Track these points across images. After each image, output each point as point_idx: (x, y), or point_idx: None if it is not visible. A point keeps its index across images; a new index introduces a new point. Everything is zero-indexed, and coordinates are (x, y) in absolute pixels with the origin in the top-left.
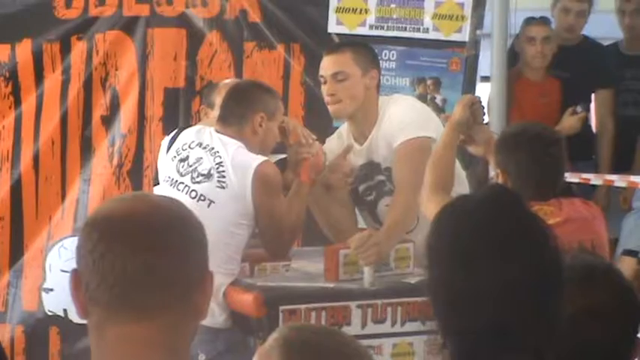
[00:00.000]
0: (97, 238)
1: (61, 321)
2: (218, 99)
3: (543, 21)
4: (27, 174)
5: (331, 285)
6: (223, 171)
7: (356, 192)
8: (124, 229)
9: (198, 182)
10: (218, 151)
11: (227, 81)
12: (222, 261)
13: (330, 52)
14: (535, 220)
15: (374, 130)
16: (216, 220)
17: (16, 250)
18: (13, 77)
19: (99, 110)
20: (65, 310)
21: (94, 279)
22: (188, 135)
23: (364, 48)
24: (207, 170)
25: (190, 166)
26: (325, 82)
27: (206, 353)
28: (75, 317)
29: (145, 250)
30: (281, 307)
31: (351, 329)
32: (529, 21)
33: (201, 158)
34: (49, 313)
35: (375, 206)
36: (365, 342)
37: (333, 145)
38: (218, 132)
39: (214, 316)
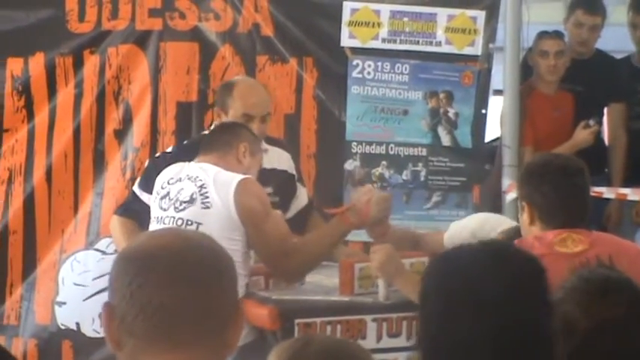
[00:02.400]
0: (134, 271)
1: (73, 334)
2: (230, 101)
3: (557, 35)
4: (40, 187)
5: (346, 298)
6: (206, 192)
7: None
8: (162, 263)
9: (182, 210)
10: (198, 176)
11: (238, 78)
12: None
13: None
14: (529, 279)
15: None
16: None
17: (29, 263)
18: (26, 91)
19: (111, 124)
20: (78, 324)
21: (131, 311)
22: (165, 174)
23: None
24: (190, 196)
25: (172, 199)
26: None
27: None
28: (88, 331)
29: (182, 282)
30: (296, 321)
31: (366, 343)
32: (542, 35)
33: (182, 189)
34: (62, 327)
35: None
36: (380, 356)
37: None
38: (198, 162)
39: None
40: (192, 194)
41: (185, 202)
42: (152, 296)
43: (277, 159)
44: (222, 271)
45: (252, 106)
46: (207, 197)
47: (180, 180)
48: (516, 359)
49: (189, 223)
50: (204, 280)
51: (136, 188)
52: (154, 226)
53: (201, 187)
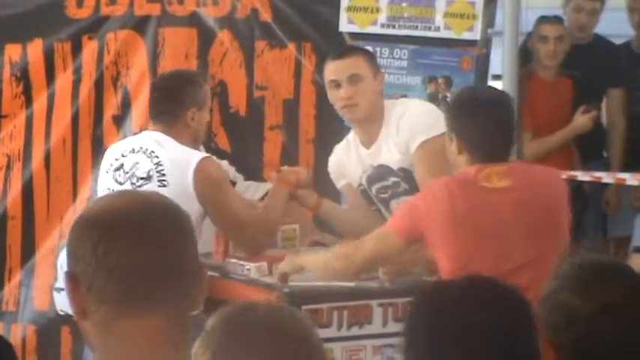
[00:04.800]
0: (97, 236)
1: (72, 320)
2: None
3: (557, 20)
4: (38, 173)
5: (351, 284)
6: (162, 170)
7: (365, 192)
8: (126, 225)
9: (139, 186)
10: (154, 151)
11: None
12: None
13: (343, 56)
14: (517, 318)
15: (381, 133)
16: None
17: (28, 249)
18: (24, 77)
19: (110, 109)
20: None
21: (99, 277)
22: (119, 146)
23: (371, 52)
24: (147, 172)
25: (127, 172)
26: (337, 86)
27: None
28: None
29: (149, 243)
30: (303, 307)
31: (372, 328)
32: (542, 20)
33: (138, 163)
34: (61, 313)
35: (388, 204)
36: (387, 340)
37: (341, 151)
38: (149, 131)
39: None
40: (149, 171)
41: (142, 178)
42: (120, 260)
43: None
44: (184, 229)
45: None
46: (163, 175)
47: (133, 151)
48: None
49: None
50: (169, 239)
51: None
52: None
53: (157, 164)
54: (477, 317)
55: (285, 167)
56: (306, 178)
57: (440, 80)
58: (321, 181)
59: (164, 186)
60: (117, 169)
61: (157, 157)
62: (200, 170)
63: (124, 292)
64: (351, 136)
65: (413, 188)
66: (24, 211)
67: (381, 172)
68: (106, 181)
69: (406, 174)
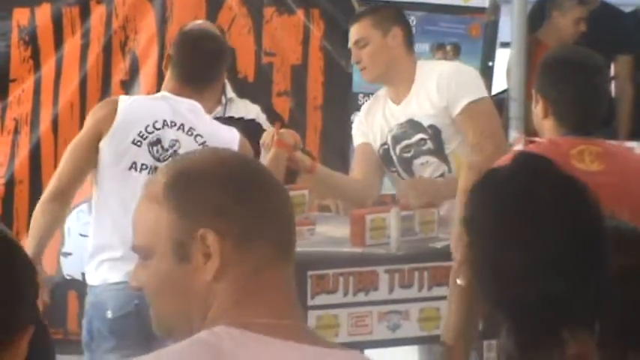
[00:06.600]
0: (233, 187)
1: (79, 285)
2: None
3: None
4: (46, 138)
5: (359, 250)
6: None
7: (387, 152)
8: (255, 174)
9: None
10: (193, 128)
11: None
12: None
13: (352, 22)
14: (573, 186)
15: (413, 88)
16: None
17: None
18: (32, 41)
19: (118, 74)
20: (83, 274)
21: (250, 226)
22: (146, 114)
23: (383, 9)
24: None
25: (166, 150)
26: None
27: None
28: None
29: (277, 193)
30: (309, 272)
31: (378, 294)
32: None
33: (177, 141)
34: (68, 277)
35: (410, 164)
36: (392, 307)
37: (368, 107)
38: (175, 94)
39: None
40: None
41: None
42: (263, 207)
43: (244, 109)
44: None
45: None
46: None
47: (167, 125)
48: (578, 266)
49: None
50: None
51: None
52: (137, 175)
53: (203, 145)
54: (533, 188)
55: (282, 130)
56: (299, 141)
57: (448, 47)
58: (329, 147)
59: None
60: (153, 144)
61: (200, 136)
62: (242, 149)
63: (274, 241)
64: (381, 92)
65: (439, 148)
66: (31, 175)
67: (408, 129)
68: (135, 154)
69: (435, 132)
